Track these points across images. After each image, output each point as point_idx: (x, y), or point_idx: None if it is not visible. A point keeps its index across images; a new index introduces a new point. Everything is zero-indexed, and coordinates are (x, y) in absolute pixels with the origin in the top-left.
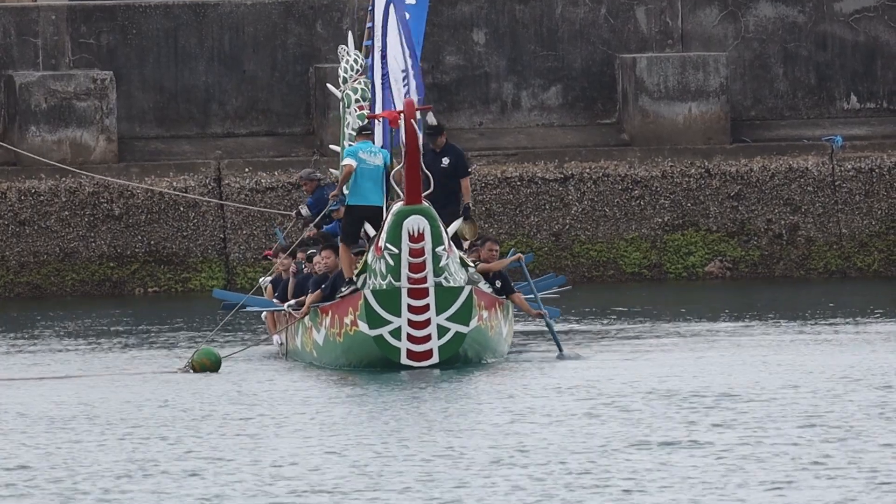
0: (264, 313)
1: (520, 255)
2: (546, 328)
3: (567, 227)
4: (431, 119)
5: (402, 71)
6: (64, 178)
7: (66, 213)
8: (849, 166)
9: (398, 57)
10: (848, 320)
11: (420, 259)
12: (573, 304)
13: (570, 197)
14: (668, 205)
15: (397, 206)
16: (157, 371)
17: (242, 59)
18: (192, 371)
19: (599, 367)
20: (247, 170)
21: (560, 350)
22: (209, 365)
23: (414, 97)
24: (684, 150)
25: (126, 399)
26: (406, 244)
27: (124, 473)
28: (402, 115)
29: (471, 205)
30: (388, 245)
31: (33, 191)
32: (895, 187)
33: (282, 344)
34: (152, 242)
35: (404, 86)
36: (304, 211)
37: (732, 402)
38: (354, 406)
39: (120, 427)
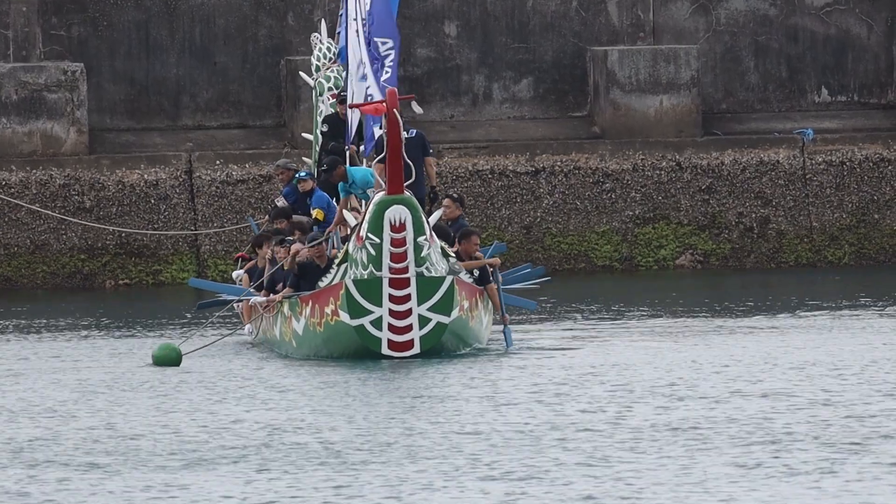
0: (239, 306)
1: (497, 260)
2: (503, 332)
3: (538, 219)
4: (417, 108)
5: (360, 63)
6: (34, 171)
7: (37, 205)
8: (820, 159)
9: (355, 50)
10: (819, 313)
11: (401, 249)
12: (545, 295)
13: (542, 190)
14: (639, 198)
15: (379, 195)
16: (118, 364)
17: (213, 52)
18: (152, 365)
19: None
20: (218, 162)
21: (508, 345)
22: (169, 359)
23: (376, 90)
24: (655, 143)
25: (80, 392)
26: (387, 234)
27: (80, 465)
28: (384, 104)
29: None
30: (370, 235)
31: (3, 183)
32: (866, 180)
33: (253, 334)
34: (123, 235)
35: (360, 79)
36: (281, 202)
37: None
38: (332, 395)
39: (71, 419)
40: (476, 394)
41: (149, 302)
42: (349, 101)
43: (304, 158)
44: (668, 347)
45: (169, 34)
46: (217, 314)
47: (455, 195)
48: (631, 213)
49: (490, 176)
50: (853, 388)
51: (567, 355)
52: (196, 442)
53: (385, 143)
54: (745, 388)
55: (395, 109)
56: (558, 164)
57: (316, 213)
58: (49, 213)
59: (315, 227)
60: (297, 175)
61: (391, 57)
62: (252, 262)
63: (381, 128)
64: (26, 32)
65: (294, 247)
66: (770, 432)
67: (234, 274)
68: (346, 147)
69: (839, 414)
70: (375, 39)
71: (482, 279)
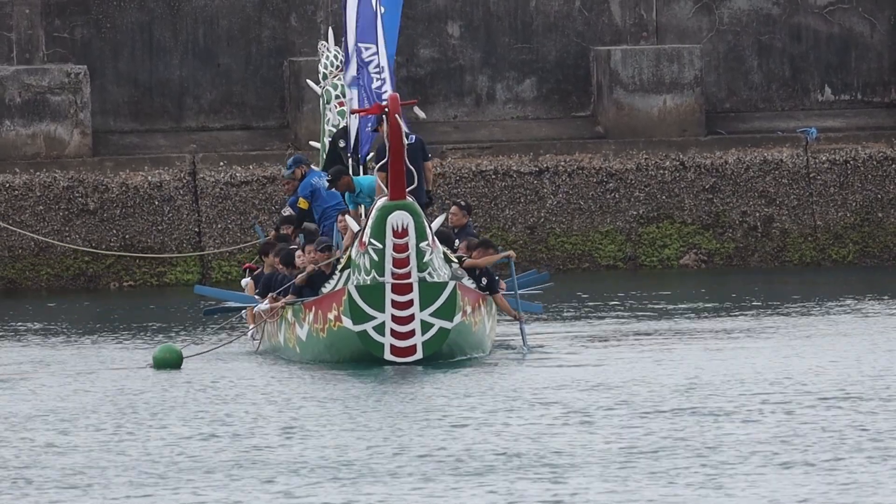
0: (244, 311)
1: (511, 252)
2: (518, 329)
3: (542, 220)
4: (420, 113)
5: (379, 67)
6: (38, 173)
7: (41, 207)
8: (823, 158)
9: (381, 52)
10: (824, 314)
11: (404, 254)
12: (548, 296)
13: (545, 190)
14: (642, 197)
15: (381, 201)
16: (119, 367)
17: (217, 53)
18: (152, 367)
19: (572, 364)
20: (221, 164)
21: (525, 346)
22: (170, 361)
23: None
24: (659, 143)
25: (84, 395)
26: (390, 239)
27: (80, 470)
28: (386, 109)
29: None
30: (372, 240)
31: (8, 185)
32: (869, 179)
33: (257, 339)
34: (127, 237)
35: (379, 80)
36: (287, 213)
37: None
38: (333, 402)
39: (76, 422)
40: (483, 400)
41: (153, 304)
42: (347, 107)
43: (314, 166)
44: (677, 351)
45: (172, 36)
46: (223, 321)
47: (462, 203)
48: (635, 212)
49: (493, 176)
50: (871, 392)
51: (576, 360)
52: (196, 449)
53: (387, 149)
54: (763, 395)
55: (396, 115)
56: (562, 164)
57: (300, 202)
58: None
59: (311, 231)
60: (288, 163)
61: (375, 63)
62: (259, 270)
63: (371, 128)
64: (29, 35)
65: (309, 267)
66: (791, 439)
67: (243, 282)
68: (349, 155)
69: (860, 419)
70: (359, 45)
71: (490, 287)
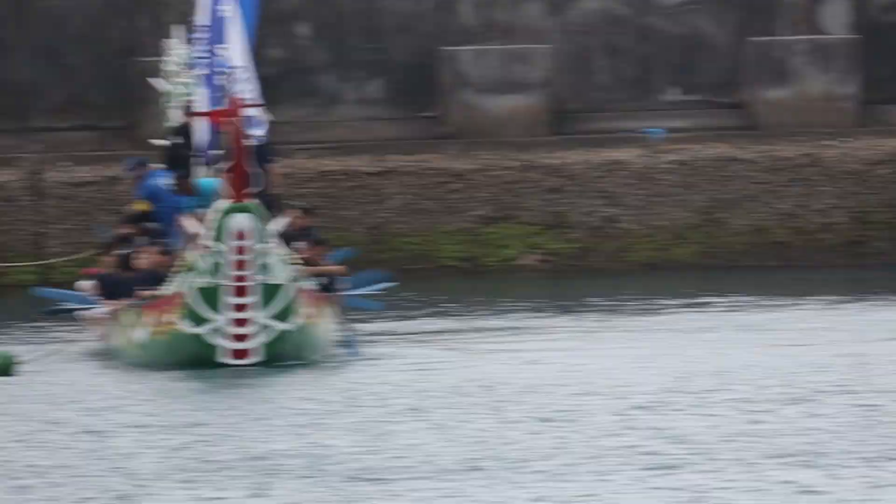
0: (84, 313)
1: (337, 267)
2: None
3: (385, 220)
4: (266, 116)
5: (228, 67)
6: None
7: None
8: (668, 158)
9: (240, 52)
10: (661, 313)
11: (243, 256)
12: (388, 296)
13: (389, 190)
14: (486, 198)
15: (222, 203)
16: None
17: (64, 53)
18: None
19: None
20: (66, 164)
21: (352, 349)
22: (1, 368)
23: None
24: (504, 144)
25: None
26: (230, 241)
27: None
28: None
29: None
30: (212, 242)
31: None
32: (713, 179)
33: (96, 341)
34: None
35: (225, 80)
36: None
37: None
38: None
39: None
40: (320, 402)
41: None
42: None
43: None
44: (515, 352)
45: (20, 35)
46: (62, 323)
47: (304, 205)
48: (478, 213)
49: (339, 177)
50: (710, 392)
51: (413, 360)
52: (32, 453)
53: (229, 151)
54: (604, 396)
55: (237, 118)
56: (407, 164)
57: (138, 203)
58: None
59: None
60: (129, 167)
61: (223, 63)
62: (100, 271)
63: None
64: None
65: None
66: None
67: (80, 284)
68: (193, 155)
69: (702, 420)
70: (211, 46)
71: (329, 287)
